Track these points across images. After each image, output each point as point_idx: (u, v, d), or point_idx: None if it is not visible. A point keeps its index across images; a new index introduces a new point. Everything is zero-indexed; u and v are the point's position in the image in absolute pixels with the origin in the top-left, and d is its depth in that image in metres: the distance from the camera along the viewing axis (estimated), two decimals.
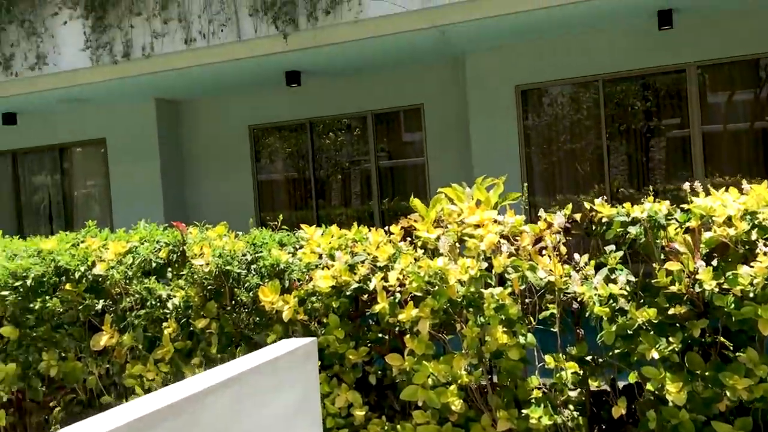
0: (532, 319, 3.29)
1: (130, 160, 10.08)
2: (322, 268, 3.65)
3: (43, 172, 10.84)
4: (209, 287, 4.11)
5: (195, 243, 4.26)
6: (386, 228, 3.77)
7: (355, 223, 4.23)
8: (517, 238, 3.41)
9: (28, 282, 4.60)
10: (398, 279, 3.33)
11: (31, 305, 4.60)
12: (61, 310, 4.57)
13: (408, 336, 3.26)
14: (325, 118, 9.95)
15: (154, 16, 7.81)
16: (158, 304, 4.33)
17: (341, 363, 3.66)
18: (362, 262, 3.55)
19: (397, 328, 3.39)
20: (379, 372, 3.70)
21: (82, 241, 4.87)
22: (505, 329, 3.08)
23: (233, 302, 4.03)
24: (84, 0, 8.10)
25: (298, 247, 4.04)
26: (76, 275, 4.57)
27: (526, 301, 3.33)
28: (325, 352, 3.61)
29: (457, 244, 3.41)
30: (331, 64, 8.74)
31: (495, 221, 3.49)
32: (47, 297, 4.59)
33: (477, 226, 3.48)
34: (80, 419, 2.94)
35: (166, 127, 10.17)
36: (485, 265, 3.23)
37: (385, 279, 3.37)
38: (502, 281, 3.28)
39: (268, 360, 2.17)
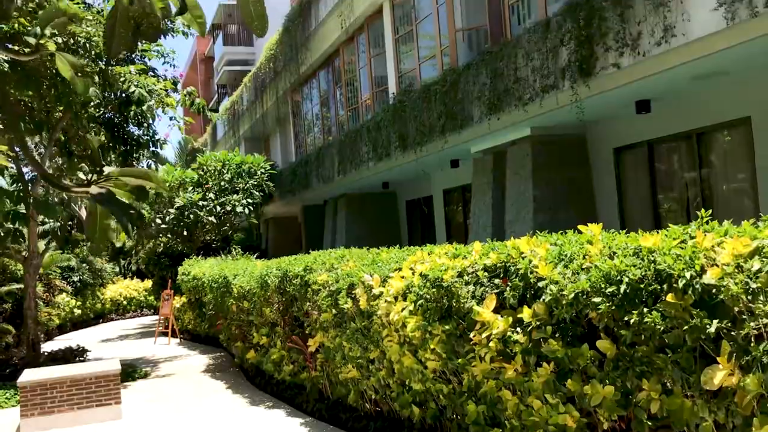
0: None
1: None
2: None
3: (678, 163, 9.87)
4: None
5: None
6: None
7: None
8: None
9: (622, 288, 3.62)
10: None
11: (627, 318, 3.61)
12: (662, 327, 3.43)
13: None
14: None
15: None
16: None
17: None
18: None
19: None
20: None
21: (692, 237, 3.62)
22: None
23: None
24: None
25: None
26: (680, 283, 3.36)
27: None
28: None
29: None
30: None
31: None
32: (644, 309, 3.52)
33: None
34: None
35: None
36: None
37: None
38: None
39: None
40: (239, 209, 17.25)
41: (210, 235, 17.83)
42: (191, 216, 16.77)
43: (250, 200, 17.73)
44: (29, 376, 8.13)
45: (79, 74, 1.91)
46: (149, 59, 12.69)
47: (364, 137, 15.60)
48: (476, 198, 12.61)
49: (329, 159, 18.16)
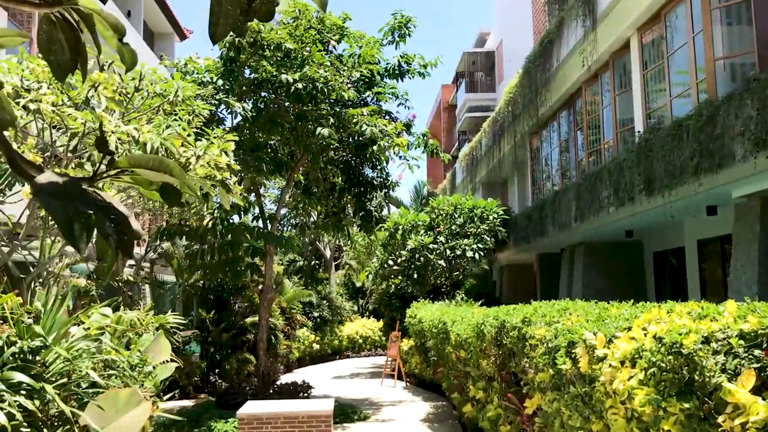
0: None
1: None
2: None
3: None
4: None
5: None
6: None
7: None
8: None
9: None
10: None
11: None
12: None
13: None
14: None
15: None
16: None
17: None
18: None
19: None
20: None
21: None
22: None
23: None
24: None
25: None
26: None
27: None
28: None
29: None
30: None
31: None
32: None
33: None
34: None
35: None
36: None
37: None
38: None
39: None
40: (469, 254, 16.84)
41: (440, 279, 17.63)
42: (422, 258, 16.73)
43: (480, 245, 17.25)
44: (249, 408, 8.33)
45: (124, 42, 1.53)
46: (384, 102, 12.95)
47: (605, 180, 14.37)
48: (738, 250, 10.77)
49: (566, 204, 17.08)
